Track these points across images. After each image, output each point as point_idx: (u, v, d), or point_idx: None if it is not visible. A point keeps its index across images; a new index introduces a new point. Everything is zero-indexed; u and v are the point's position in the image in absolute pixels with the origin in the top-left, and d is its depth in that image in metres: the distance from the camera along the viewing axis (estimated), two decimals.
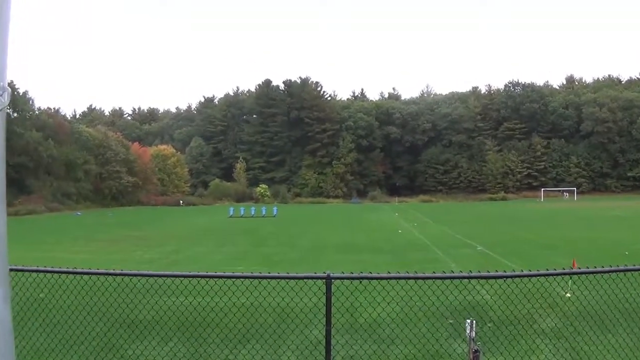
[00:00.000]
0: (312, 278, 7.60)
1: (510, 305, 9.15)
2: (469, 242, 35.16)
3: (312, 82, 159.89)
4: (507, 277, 7.77)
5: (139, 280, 11.64)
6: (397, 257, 28.83)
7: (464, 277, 7.96)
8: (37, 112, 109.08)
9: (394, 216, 69.81)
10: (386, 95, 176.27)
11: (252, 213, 76.78)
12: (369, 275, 7.70)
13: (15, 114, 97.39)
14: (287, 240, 40.86)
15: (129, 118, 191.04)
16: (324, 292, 7.51)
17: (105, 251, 34.20)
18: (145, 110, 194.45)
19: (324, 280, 7.53)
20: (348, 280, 8.71)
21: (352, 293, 9.49)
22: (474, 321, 10.17)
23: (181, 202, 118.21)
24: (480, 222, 56.90)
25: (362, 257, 28.96)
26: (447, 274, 7.15)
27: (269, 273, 7.82)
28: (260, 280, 7.86)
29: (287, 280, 8.29)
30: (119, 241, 40.93)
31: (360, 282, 9.61)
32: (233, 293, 7.86)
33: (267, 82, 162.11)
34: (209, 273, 7.53)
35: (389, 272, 7.86)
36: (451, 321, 11.85)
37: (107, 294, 11.36)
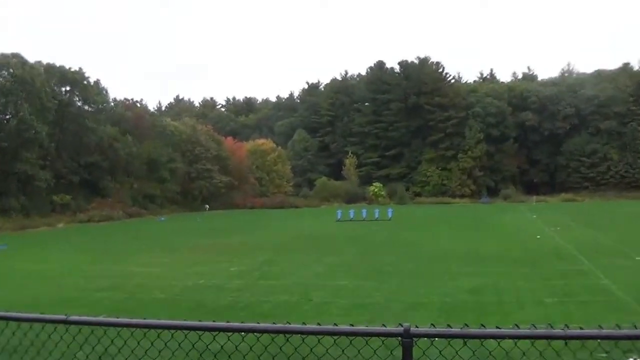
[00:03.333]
0: (380, 335, 5.17)
1: None
2: (624, 250, 33.38)
3: (432, 62, 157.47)
4: None
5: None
6: (535, 269, 27.52)
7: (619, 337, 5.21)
8: (112, 103, 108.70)
9: (531, 218, 68.04)
10: (520, 76, 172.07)
11: (364, 216, 75.87)
12: (465, 331, 4.84)
13: (87, 107, 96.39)
14: (403, 248, 39.89)
15: (222, 109, 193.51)
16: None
17: (185, 263, 33.93)
18: (241, 100, 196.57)
19: (399, 339, 4.83)
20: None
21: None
22: None
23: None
24: (637, 226, 54.36)
25: (491, 269, 27.73)
26: (594, 332, 4.91)
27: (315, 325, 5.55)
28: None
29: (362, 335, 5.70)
30: (205, 250, 40.78)
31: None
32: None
33: (380, 64, 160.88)
34: (232, 324, 5.63)
35: (516, 326, 5.27)
36: (604, 354, 10.38)
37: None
